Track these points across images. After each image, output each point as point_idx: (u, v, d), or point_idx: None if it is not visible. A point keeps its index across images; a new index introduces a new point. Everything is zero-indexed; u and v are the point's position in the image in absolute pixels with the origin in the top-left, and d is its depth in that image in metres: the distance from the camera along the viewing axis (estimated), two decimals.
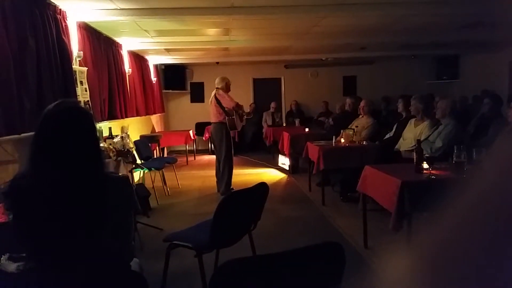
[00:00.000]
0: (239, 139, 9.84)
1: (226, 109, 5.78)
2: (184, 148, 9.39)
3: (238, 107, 5.82)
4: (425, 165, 3.12)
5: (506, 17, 5.59)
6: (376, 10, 4.73)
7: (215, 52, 8.32)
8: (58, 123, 1.47)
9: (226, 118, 5.77)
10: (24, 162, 1.49)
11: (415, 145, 3.47)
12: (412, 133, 4.68)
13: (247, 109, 9.25)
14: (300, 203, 5.42)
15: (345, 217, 4.60)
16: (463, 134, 4.68)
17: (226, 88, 5.89)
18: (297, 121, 9.15)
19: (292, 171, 7.43)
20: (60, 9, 4.00)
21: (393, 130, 5.38)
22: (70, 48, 4.19)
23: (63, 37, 3.97)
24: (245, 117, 6.20)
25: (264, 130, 9.66)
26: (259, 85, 11.20)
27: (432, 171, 3.08)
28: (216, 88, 5.94)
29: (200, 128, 10.41)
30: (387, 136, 5.46)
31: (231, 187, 5.86)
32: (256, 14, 4.73)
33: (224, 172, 5.86)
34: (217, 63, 10.00)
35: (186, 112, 10.85)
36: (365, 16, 5.20)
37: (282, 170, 7.76)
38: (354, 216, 4.36)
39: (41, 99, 3.46)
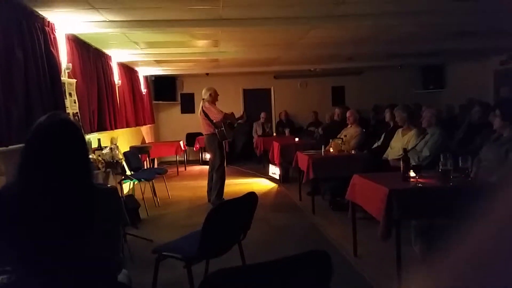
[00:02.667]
0: (230, 149, 9.84)
1: (214, 121, 5.79)
2: (175, 159, 9.37)
3: (226, 118, 5.82)
4: (412, 174, 3.17)
5: (490, 26, 5.73)
6: (362, 21, 4.81)
7: (204, 63, 8.37)
8: (50, 135, 1.48)
9: (216, 130, 5.79)
10: (12, 174, 1.49)
11: (402, 154, 3.51)
12: (400, 142, 4.74)
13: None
14: (290, 212, 5.43)
15: (335, 226, 4.63)
16: (449, 143, 4.75)
17: (212, 99, 5.90)
18: (287, 131, 9.20)
19: (282, 180, 7.45)
20: (49, 21, 4.01)
21: (381, 139, 5.45)
22: (59, 60, 4.19)
23: (52, 49, 3.97)
24: (235, 124, 6.21)
25: (254, 140, 9.69)
26: (249, 95, 11.26)
27: (418, 179, 3.12)
28: (202, 99, 5.96)
29: (191, 138, 10.41)
30: (375, 145, 5.52)
31: (223, 197, 5.86)
32: (245, 26, 4.79)
33: (216, 182, 5.87)
34: (207, 74, 10.06)
35: (177, 123, 10.85)
36: (352, 27, 5.29)
37: (272, 179, 7.77)
38: (344, 225, 4.38)
39: (30, 111, 3.44)
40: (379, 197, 3.00)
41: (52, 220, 1.43)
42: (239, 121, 6.32)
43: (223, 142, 5.96)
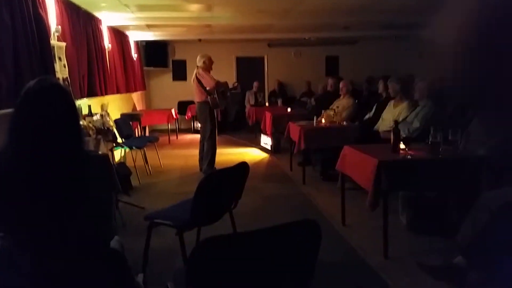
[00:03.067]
0: (222, 118, 9.80)
1: (207, 88, 5.75)
2: (166, 127, 9.33)
3: (218, 86, 5.78)
4: (402, 145, 3.20)
5: None
6: None
7: (197, 29, 8.19)
8: (40, 100, 1.46)
9: (208, 97, 5.75)
10: (1, 139, 1.48)
11: (393, 125, 3.53)
12: (391, 114, 4.75)
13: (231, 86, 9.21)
14: (281, 182, 5.50)
15: (324, 196, 4.70)
16: (441, 115, 4.77)
17: (205, 66, 5.83)
18: (279, 101, 9.16)
19: (274, 150, 7.49)
20: None
21: (373, 110, 5.46)
22: (48, 22, 4.07)
23: (40, 11, 3.85)
24: (228, 93, 6.17)
25: (246, 110, 9.65)
26: (242, 63, 11.13)
27: (408, 151, 3.16)
28: (197, 66, 5.89)
29: (183, 106, 10.33)
30: (367, 116, 5.54)
31: (214, 166, 5.90)
32: None
33: (208, 151, 5.89)
34: (200, 40, 9.87)
35: (168, 90, 10.73)
36: None
37: (264, 149, 7.81)
38: (333, 195, 4.46)
39: (19, 75, 3.37)
40: (368, 168, 3.04)
41: (43, 186, 1.43)
42: (233, 91, 6.28)
43: (215, 110, 5.94)
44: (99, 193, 1.57)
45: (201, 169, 5.97)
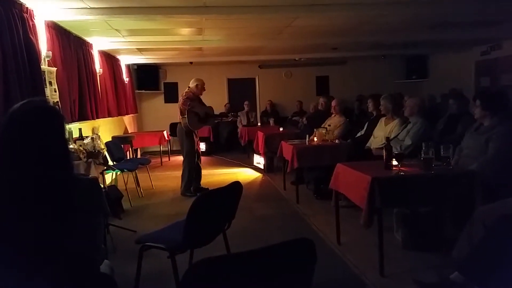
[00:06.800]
0: (214, 139, 9.81)
1: (180, 108, 5.74)
2: (158, 149, 9.30)
3: (185, 104, 5.64)
4: (394, 162, 3.21)
5: (472, 17, 5.80)
6: (346, 11, 4.80)
7: (188, 52, 8.27)
8: (24, 124, 1.44)
9: (181, 117, 5.75)
10: None
11: (385, 142, 3.55)
12: (383, 132, 4.78)
13: (217, 110, 9.21)
14: (275, 202, 5.46)
15: (318, 214, 4.67)
16: (431, 132, 4.82)
17: (190, 90, 5.80)
18: (271, 121, 9.20)
19: (267, 170, 7.47)
20: (27, 8, 3.89)
21: (364, 128, 5.49)
22: (38, 48, 4.07)
23: (31, 36, 3.86)
24: (214, 120, 6.11)
25: (239, 130, 9.67)
26: (233, 85, 11.21)
27: (401, 168, 3.16)
28: (188, 87, 5.92)
29: (174, 128, 10.28)
30: (359, 134, 5.56)
31: (201, 186, 5.90)
32: (229, 14, 4.73)
33: (184, 172, 5.83)
34: (191, 63, 9.95)
35: (160, 113, 10.74)
36: (336, 16, 5.28)
37: (257, 169, 7.79)
38: (328, 213, 4.43)
39: (8, 100, 3.35)
40: (362, 185, 3.03)
41: (31, 212, 1.40)
42: (224, 118, 6.21)
43: (196, 132, 5.87)
44: (88, 217, 1.54)
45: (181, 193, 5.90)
